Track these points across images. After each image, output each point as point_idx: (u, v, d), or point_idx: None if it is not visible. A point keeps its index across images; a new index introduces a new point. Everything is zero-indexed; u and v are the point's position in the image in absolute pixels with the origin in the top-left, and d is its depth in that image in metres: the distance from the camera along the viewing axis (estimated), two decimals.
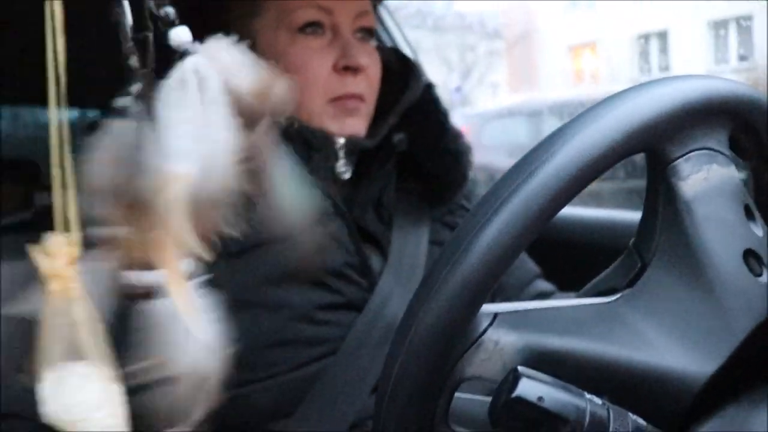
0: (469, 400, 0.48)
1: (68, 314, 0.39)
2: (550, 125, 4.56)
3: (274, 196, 0.47)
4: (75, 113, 1.45)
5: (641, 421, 0.41)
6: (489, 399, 0.42)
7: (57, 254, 0.38)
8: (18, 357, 0.40)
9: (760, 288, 0.46)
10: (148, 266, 0.42)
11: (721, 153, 0.48)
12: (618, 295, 0.47)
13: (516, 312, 0.45)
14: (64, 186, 0.39)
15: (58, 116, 0.39)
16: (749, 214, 0.48)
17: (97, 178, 0.41)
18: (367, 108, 0.83)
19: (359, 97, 0.81)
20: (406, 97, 0.86)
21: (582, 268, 0.59)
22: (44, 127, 0.40)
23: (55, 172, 0.39)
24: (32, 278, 0.38)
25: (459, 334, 0.42)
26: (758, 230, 0.48)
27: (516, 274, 0.95)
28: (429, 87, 0.90)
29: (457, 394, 0.45)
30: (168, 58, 0.43)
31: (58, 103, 0.39)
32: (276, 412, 0.74)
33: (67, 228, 0.39)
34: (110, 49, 0.44)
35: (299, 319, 0.73)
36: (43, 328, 0.39)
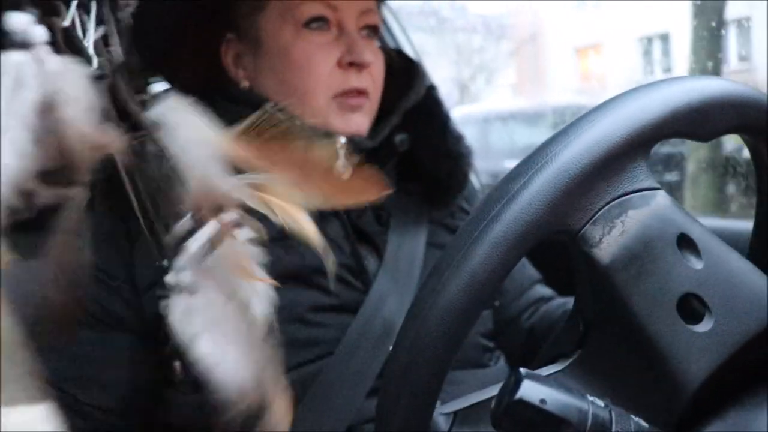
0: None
1: None
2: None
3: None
4: None
5: (643, 423, 0.41)
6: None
7: None
8: None
9: (699, 338, 0.43)
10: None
11: (636, 191, 0.45)
12: (568, 362, 0.46)
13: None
14: None
15: None
16: (685, 245, 0.45)
17: None
18: (371, 105, 0.83)
19: (363, 93, 0.81)
20: (409, 98, 0.86)
21: None
22: None
23: None
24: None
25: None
26: (697, 263, 0.44)
27: (516, 279, 0.95)
28: (431, 89, 0.90)
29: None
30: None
31: None
32: None
33: None
34: None
35: (291, 321, 0.72)
36: None
